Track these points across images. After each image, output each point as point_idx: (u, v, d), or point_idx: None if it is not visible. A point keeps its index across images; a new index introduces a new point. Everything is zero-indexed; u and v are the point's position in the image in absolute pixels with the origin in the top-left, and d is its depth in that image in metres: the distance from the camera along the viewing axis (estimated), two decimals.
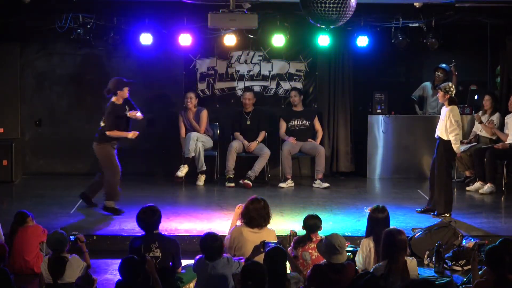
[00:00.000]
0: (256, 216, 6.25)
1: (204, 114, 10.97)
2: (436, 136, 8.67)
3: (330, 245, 5.55)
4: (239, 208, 6.53)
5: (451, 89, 8.47)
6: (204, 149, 10.76)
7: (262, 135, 11.02)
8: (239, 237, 6.23)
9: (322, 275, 5.51)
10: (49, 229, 6.72)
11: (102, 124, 8.72)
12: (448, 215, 8.51)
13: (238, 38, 10.62)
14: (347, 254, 6.61)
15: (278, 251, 5.42)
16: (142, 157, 11.55)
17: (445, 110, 8.53)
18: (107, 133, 8.60)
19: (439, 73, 11.28)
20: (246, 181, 10.52)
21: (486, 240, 7.09)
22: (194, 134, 10.70)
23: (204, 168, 10.72)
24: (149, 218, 6.10)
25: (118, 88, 8.67)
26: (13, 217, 6.95)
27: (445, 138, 8.47)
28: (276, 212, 8.08)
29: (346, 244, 6.94)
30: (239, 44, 10.85)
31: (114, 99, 8.71)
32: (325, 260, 5.61)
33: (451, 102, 8.50)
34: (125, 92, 8.72)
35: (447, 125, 8.41)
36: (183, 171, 10.60)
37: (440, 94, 8.55)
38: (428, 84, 11.55)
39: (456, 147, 8.45)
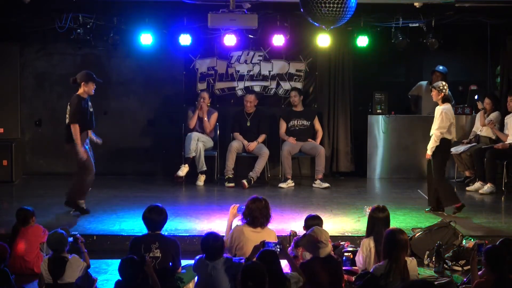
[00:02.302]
0: (259, 215, 6.25)
1: (214, 116, 11.02)
2: (430, 134, 8.68)
3: (315, 240, 5.64)
4: (234, 208, 6.55)
5: (445, 87, 8.53)
6: (204, 149, 10.77)
7: (262, 137, 11.02)
8: (240, 236, 6.23)
9: (311, 271, 5.58)
10: (49, 229, 6.71)
11: (68, 120, 8.57)
12: (458, 204, 8.58)
13: (238, 38, 10.63)
14: (347, 254, 6.66)
15: (267, 252, 5.42)
16: (142, 157, 11.56)
17: (439, 108, 8.55)
18: (71, 125, 8.42)
19: (437, 75, 11.32)
20: (244, 181, 10.51)
21: (486, 240, 7.10)
22: (195, 135, 10.71)
23: (205, 168, 10.72)
24: (156, 217, 6.10)
25: (83, 80, 8.51)
26: (15, 215, 6.91)
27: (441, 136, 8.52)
28: (276, 212, 8.08)
29: (346, 244, 6.99)
30: (239, 44, 10.86)
31: (79, 91, 8.55)
32: (312, 256, 5.70)
33: (445, 100, 8.55)
34: (90, 88, 8.54)
35: (438, 122, 8.45)
36: (183, 170, 10.62)
37: (434, 92, 8.58)
38: (424, 84, 11.58)
39: (432, 147, 8.46)
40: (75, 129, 8.41)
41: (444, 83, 8.63)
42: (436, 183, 8.69)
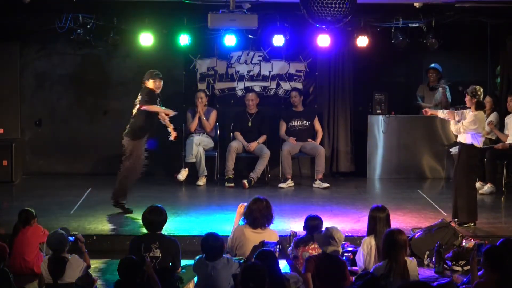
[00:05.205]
0: (259, 216, 6.26)
1: (213, 114, 11.01)
2: (457, 141, 8.30)
3: (328, 236, 5.74)
4: (241, 207, 6.54)
5: (479, 92, 8.00)
6: (205, 151, 10.77)
7: (262, 138, 11.01)
8: (240, 236, 6.25)
9: (316, 264, 5.64)
10: (49, 229, 6.71)
11: (134, 111, 8.65)
12: (472, 224, 8.09)
13: (238, 38, 10.63)
14: (347, 254, 6.66)
15: (264, 252, 5.44)
16: None
17: (471, 114, 8.00)
18: (145, 107, 8.55)
19: (431, 73, 11.33)
20: (244, 181, 10.50)
21: (486, 240, 7.09)
22: (196, 139, 10.70)
23: (206, 173, 10.72)
24: (156, 218, 6.10)
25: (145, 78, 8.75)
26: (18, 215, 6.90)
27: (467, 142, 8.03)
28: (276, 212, 8.05)
29: (346, 244, 6.99)
30: (239, 44, 10.86)
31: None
32: (320, 252, 5.79)
33: (478, 107, 8.00)
34: (152, 83, 8.71)
35: (471, 126, 7.94)
36: (183, 174, 10.62)
37: (467, 98, 8.03)
38: (423, 86, 11.60)
39: (451, 125, 8.17)
40: (154, 107, 8.64)
41: (479, 87, 8.05)
42: (461, 192, 8.11)
